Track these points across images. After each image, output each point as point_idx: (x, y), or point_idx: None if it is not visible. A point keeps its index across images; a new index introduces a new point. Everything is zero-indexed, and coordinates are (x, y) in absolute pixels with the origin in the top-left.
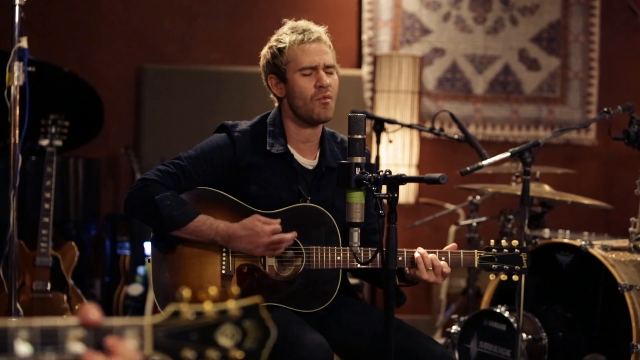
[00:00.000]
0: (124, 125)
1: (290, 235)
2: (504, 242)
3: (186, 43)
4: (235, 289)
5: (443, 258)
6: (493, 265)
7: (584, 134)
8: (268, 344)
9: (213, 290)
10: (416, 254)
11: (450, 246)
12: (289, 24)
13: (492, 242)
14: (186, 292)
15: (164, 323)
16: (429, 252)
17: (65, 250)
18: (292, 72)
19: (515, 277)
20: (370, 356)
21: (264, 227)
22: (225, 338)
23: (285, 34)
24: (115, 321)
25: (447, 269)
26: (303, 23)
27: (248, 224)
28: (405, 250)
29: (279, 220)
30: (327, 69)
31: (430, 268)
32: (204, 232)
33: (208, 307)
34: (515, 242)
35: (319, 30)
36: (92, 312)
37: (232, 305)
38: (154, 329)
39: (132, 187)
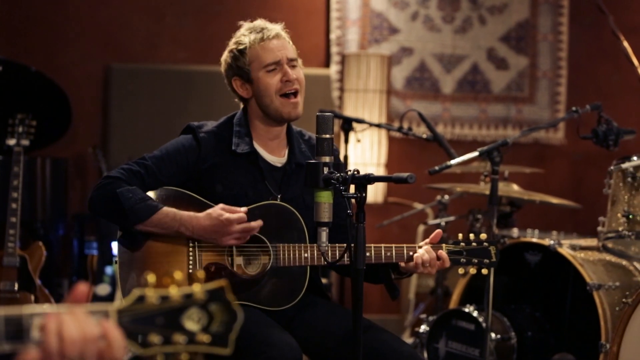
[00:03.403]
0: (91, 125)
1: (256, 224)
2: (472, 236)
3: (154, 42)
4: (200, 273)
5: (411, 252)
6: (462, 259)
7: (553, 133)
8: (235, 327)
9: (178, 275)
10: (416, 255)
11: (435, 233)
12: (245, 25)
13: (460, 235)
14: (151, 277)
15: (128, 308)
16: (410, 248)
17: (33, 250)
18: (257, 71)
19: (484, 271)
20: (339, 356)
21: (229, 216)
22: (192, 322)
23: (243, 36)
24: (80, 307)
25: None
26: (260, 22)
27: (213, 213)
28: (405, 245)
29: (245, 209)
30: (290, 62)
31: (427, 265)
32: (168, 223)
33: (173, 291)
34: (483, 236)
35: (276, 27)
36: (81, 287)
37: (197, 289)
38: (118, 315)
39: (96, 185)
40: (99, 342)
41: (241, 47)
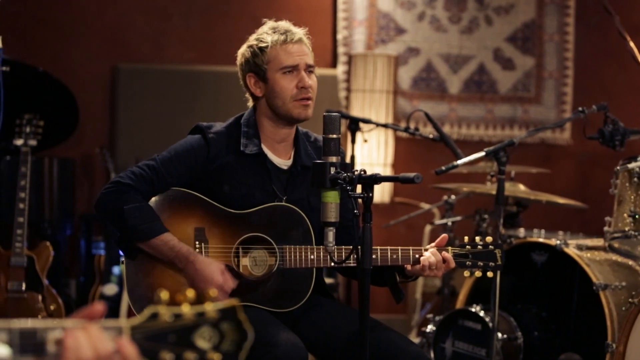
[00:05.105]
0: (98, 125)
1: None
2: (478, 239)
3: (160, 42)
4: (213, 292)
5: (417, 255)
6: (467, 262)
7: (559, 134)
8: (245, 347)
9: (191, 293)
10: (423, 257)
11: (441, 238)
12: (270, 24)
13: (466, 238)
14: (164, 295)
15: (142, 325)
16: (416, 251)
17: (40, 250)
18: (273, 72)
19: (489, 274)
20: (345, 356)
21: (219, 278)
22: (203, 340)
23: (266, 34)
24: (94, 323)
25: (452, 264)
26: (284, 24)
27: (214, 264)
28: (411, 248)
29: (235, 282)
30: (308, 68)
31: (434, 268)
32: (163, 252)
33: (186, 309)
34: (489, 239)
35: (300, 32)
36: (98, 307)
37: (209, 307)
38: (132, 331)
39: (105, 188)
40: (114, 358)
41: (262, 45)
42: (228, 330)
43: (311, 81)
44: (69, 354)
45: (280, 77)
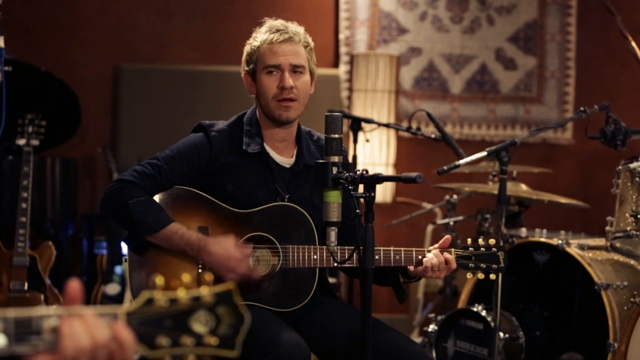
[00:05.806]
0: (101, 125)
1: (256, 274)
2: (481, 241)
3: (163, 42)
4: (208, 276)
5: (420, 256)
6: (470, 264)
7: (561, 133)
8: (242, 330)
9: (187, 278)
10: (425, 259)
11: (444, 239)
12: (268, 22)
13: (469, 240)
14: (159, 280)
15: (137, 311)
16: (419, 252)
17: (43, 249)
18: (260, 71)
19: (492, 276)
20: (348, 355)
21: (238, 252)
22: (199, 324)
23: (261, 33)
24: (89, 309)
25: (453, 265)
26: (279, 23)
27: (224, 242)
28: (414, 249)
29: (251, 246)
30: (296, 69)
31: (436, 269)
32: (174, 241)
33: (182, 294)
34: (492, 241)
35: (295, 30)
36: (74, 286)
37: (205, 291)
38: (127, 317)
39: (108, 188)
40: (110, 344)
41: (255, 43)
42: (224, 314)
43: (297, 82)
44: (65, 341)
45: (264, 77)
